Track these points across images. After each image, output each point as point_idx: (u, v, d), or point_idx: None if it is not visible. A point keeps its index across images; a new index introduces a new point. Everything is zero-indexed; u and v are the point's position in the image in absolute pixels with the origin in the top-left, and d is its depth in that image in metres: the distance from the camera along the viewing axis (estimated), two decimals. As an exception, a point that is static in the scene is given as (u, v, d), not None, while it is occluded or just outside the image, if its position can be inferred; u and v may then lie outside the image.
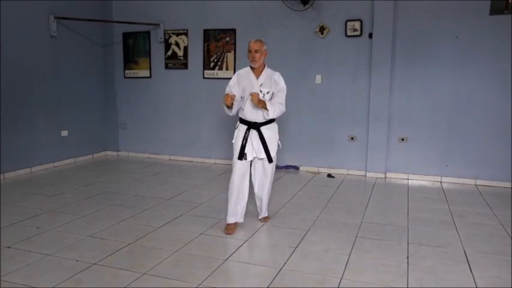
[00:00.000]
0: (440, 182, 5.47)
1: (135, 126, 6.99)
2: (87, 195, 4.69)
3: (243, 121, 3.61)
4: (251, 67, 3.57)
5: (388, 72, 5.47)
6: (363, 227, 3.79)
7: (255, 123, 3.56)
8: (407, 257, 3.14)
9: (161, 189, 5.00)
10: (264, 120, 3.55)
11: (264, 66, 3.59)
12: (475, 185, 5.32)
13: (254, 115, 3.54)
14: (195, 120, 6.57)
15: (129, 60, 6.86)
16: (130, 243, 3.34)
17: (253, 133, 3.57)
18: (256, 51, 3.47)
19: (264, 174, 3.74)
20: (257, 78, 3.54)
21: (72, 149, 6.42)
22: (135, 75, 6.85)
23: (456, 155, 5.40)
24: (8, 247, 3.25)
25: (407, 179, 5.59)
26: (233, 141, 3.65)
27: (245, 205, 3.70)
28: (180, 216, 4.01)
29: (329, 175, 5.79)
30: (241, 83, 3.54)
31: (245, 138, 3.55)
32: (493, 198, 4.72)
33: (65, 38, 6.14)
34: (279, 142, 3.75)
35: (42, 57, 5.84)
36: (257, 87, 3.50)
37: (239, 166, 3.58)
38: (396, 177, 5.66)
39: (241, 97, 3.55)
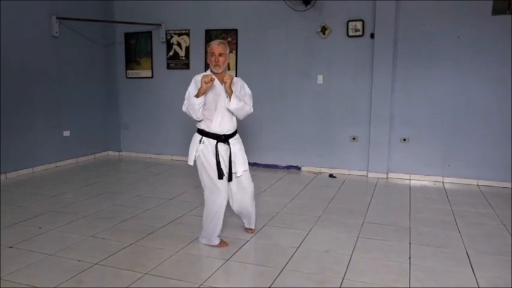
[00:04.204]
0: (442, 182, 5.46)
1: (136, 126, 6.99)
2: (88, 195, 4.70)
3: (208, 134, 3.18)
4: (212, 72, 3.18)
5: (389, 72, 5.46)
6: (364, 227, 3.78)
7: (225, 135, 3.20)
8: (409, 258, 3.14)
9: (163, 189, 5.00)
10: (233, 131, 3.25)
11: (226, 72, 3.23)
12: (477, 185, 5.30)
13: (224, 126, 3.18)
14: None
15: (131, 61, 6.87)
16: (131, 243, 3.35)
17: (222, 147, 3.20)
18: (220, 54, 3.11)
19: (241, 190, 3.34)
20: (222, 84, 3.15)
21: (74, 149, 6.43)
22: (137, 76, 6.86)
23: (458, 155, 5.39)
24: (10, 247, 3.25)
25: (409, 179, 5.58)
26: (195, 157, 3.21)
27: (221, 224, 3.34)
28: (182, 217, 4.02)
29: (331, 175, 5.78)
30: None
31: (217, 154, 3.16)
32: (495, 199, 4.71)
33: (67, 38, 6.15)
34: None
35: (45, 57, 5.85)
36: (223, 94, 3.15)
37: (222, 185, 3.19)
38: (398, 177, 5.65)
39: (204, 104, 3.13)
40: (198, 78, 3.15)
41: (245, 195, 3.38)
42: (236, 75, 6.04)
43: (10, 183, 5.20)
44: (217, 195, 3.22)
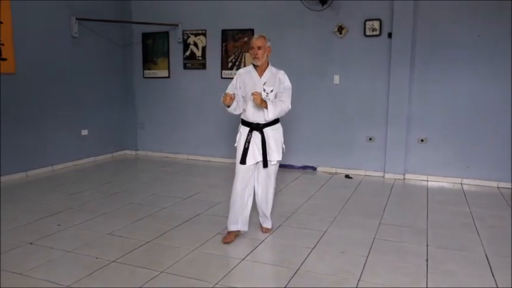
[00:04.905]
0: (461, 184, 5.36)
1: (153, 125, 7.06)
2: (105, 193, 4.76)
3: (245, 123, 3.40)
4: (254, 65, 3.36)
5: (407, 72, 5.39)
6: (380, 228, 3.75)
7: (258, 124, 3.34)
8: (427, 260, 3.09)
9: (179, 188, 5.04)
10: (268, 121, 3.35)
11: (268, 64, 3.37)
12: (497, 187, 5.19)
13: (256, 116, 3.32)
14: (213, 120, 6.59)
15: (148, 61, 6.94)
16: (148, 242, 3.38)
17: (256, 135, 3.35)
18: (259, 47, 3.25)
19: (267, 177, 3.47)
20: (260, 77, 3.33)
21: (92, 148, 6.52)
22: (154, 75, 6.93)
23: (477, 157, 5.29)
24: (31, 243, 3.32)
25: (427, 181, 5.50)
26: (235, 144, 3.43)
27: (249, 213, 3.47)
28: (198, 216, 4.04)
29: (347, 176, 5.74)
30: (242, 82, 3.35)
31: (247, 141, 3.33)
32: (516, 201, 4.62)
33: (86, 38, 6.25)
34: (283, 145, 3.49)
35: (64, 57, 5.96)
36: (260, 86, 3.29)
37: (242, 171, 3.37)
38: (415, 178, 5.58)
39: (243, 96, 3.37)
40: (240, 72, 3.43)
41: (269, 186, 3.50)
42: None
43: (31, 181, 5.31)
44: (235, 182, 3.39)
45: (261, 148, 3.34)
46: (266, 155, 3.36)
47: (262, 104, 3.18)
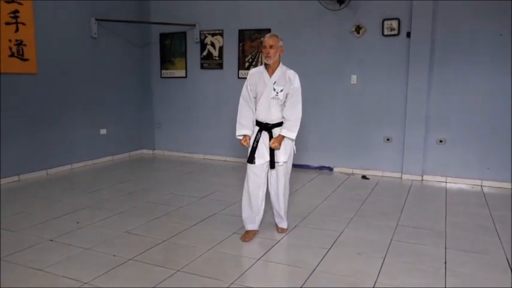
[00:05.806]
0: (481, 185, 5.26)
1: (170, 125, 7.12)
2: (123, 192, 4.82)
3: (256, 121, 3.43)
4: (265, 64, 3.38)
5: (426, 71, 5.31)
6: (398, 230, 3.70)
7: (267, 124, 3.36)
8: (445, 263, 3.04)
9: (195, 187, 5.07)
10: (277, 122, 3.36)
11: (279, 64, 3.37)
12: (519, 189, 5.09)
13: (265, 115, 3.35)
14: (229, 120, 6.59)
15: (166, 61, 7.00)
16: (164, 240, 3.41)
17: (265, 135, 3.37)
18: (271, 46, 3.26)
19: (277, 178, 3.45)
20: (270, 77, 3.34)
21: (110, 147, 6.61)
22: (171, 75, 6.98)
23: (498, 158, 5.18)
24: (51, 240, 3.39)
25: (445, 182, 5.41)
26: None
27: (262, 213, 3.50)
28: (213, 215, 4.05)
29: (363, 176, 5.69)
30: (253, 83, 3.38)
31: (256, 141, 3.36)
32: (538, 204, 4.50)
33: (105, 39, 6.33)
34: (294, 147, 3.47)
35: (83, 57, 6.05)
36: (270, 86, 3.32)
37: (252, 170, 3.38)
38: (433, 179, 5.49)
39: (254, 97, 3.40)
40: (251, 72, 3.46)
41: (278, 186, 3.47)
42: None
43: (51, 179, 5.41)
44: (247, 179, 3.42)
45: (269, 148, 3.36)
46: (273, 156, 3.36)
47: (282, 141, 3.31)
